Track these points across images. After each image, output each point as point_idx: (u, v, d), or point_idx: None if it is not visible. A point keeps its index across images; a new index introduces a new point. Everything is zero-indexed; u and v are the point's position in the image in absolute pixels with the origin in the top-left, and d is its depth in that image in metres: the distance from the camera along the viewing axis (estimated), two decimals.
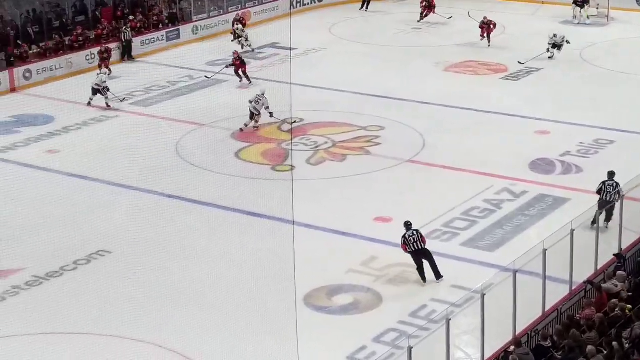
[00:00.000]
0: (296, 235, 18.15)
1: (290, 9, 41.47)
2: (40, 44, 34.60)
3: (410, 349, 13.96)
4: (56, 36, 34.97)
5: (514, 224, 22.01)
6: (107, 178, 24.79)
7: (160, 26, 37.93)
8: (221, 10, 40.12)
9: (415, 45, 37.25)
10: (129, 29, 35.94)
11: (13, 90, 32.41)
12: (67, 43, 34.87)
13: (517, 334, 16.04)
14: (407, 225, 19.30)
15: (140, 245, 20.94)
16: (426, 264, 19.27)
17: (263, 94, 27.91)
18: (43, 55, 34.10)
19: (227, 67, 32.62)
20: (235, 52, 32.95)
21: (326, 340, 17.49)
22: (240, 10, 40.37)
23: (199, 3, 39.96)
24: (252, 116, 27.83)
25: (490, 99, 30.67)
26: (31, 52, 34.12)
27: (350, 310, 18.74)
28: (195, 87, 32.45)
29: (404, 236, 19.12)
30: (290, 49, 35.75)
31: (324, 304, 18.91)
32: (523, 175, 24.63)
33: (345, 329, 18.04)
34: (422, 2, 40.09)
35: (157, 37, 37.36)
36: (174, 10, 39.01)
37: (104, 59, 33.77)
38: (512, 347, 15.20)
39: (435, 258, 20.05)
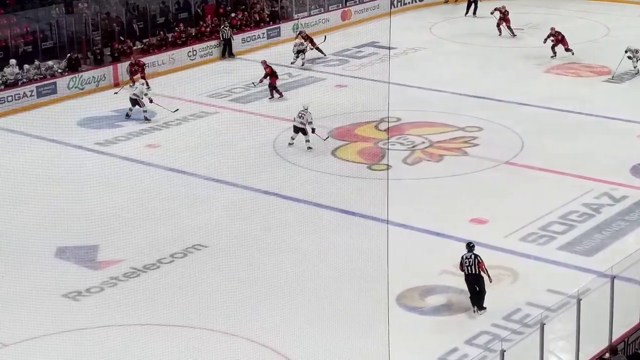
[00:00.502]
0: (390, 235, 18.08)
1: (391, 8, 41.41)
2: (144, 40, 35.25)
3: (502, 352, 13.82)
4: (159, 32, 35.56)
5: (613, 229, 21.61)
6: (205, 173, 25.09)
7: (262, 24, 38.23)
8: (322, 9, 40.27)
9: (516, 46, 36.79)
10: (227, 27, 36.28)
11: (117, 85, 33.06)
12: (169, 39, 35.46)
13: (613, 341, 15.72)
14: (469, 246, 18.77)
15: (236, 240, 21.22)
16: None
17: (307, 109, 26.83)
18: (146, 51, 34.71)
19: (260, 81, 31.52)
20: (264, 62, 31.52)
21: (418, 341, 17.44)
22: (340, 9, 40.46)
23: (300, 1, 40.18)
24: (297, 130, 26.83)
25: (592, 101, 30.15)
26: (135, 47, 34.77)
27: (442, 312, 18.64)
28: (293, 84, 32.60)
29: (462, 256, 18.75)
30: (390, 48, 35.70)
31: (417, 305, 18.84)
32: (624, 179, 24.15)
33: (437, 330, 17.98)
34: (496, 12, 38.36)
35: (258, 35, 37.70)
36: (275, 8, 39.27)
37: (134, 72, 32.26)
38: (607, 354, 14.94)
39: (531, 262, 19.83)
